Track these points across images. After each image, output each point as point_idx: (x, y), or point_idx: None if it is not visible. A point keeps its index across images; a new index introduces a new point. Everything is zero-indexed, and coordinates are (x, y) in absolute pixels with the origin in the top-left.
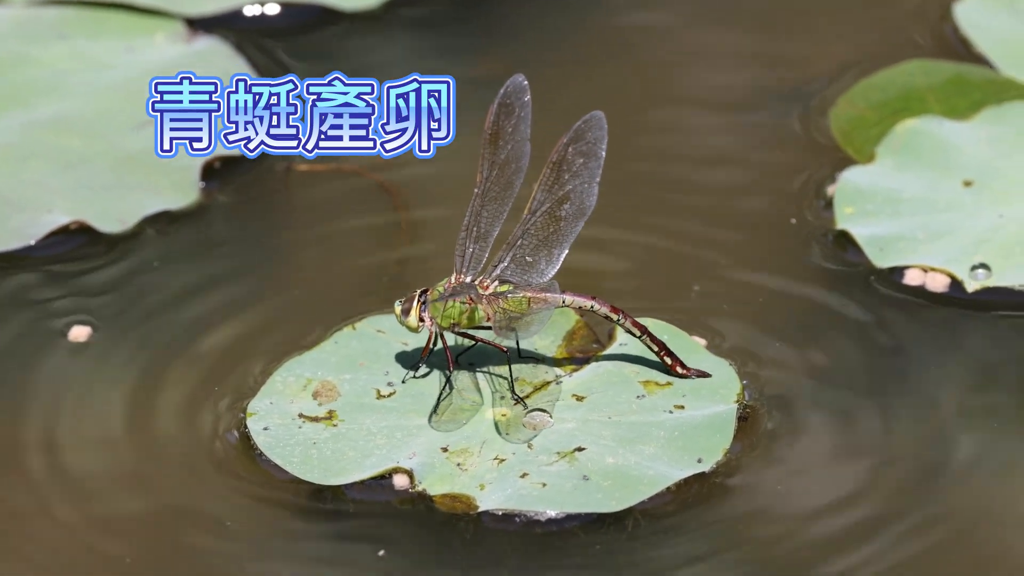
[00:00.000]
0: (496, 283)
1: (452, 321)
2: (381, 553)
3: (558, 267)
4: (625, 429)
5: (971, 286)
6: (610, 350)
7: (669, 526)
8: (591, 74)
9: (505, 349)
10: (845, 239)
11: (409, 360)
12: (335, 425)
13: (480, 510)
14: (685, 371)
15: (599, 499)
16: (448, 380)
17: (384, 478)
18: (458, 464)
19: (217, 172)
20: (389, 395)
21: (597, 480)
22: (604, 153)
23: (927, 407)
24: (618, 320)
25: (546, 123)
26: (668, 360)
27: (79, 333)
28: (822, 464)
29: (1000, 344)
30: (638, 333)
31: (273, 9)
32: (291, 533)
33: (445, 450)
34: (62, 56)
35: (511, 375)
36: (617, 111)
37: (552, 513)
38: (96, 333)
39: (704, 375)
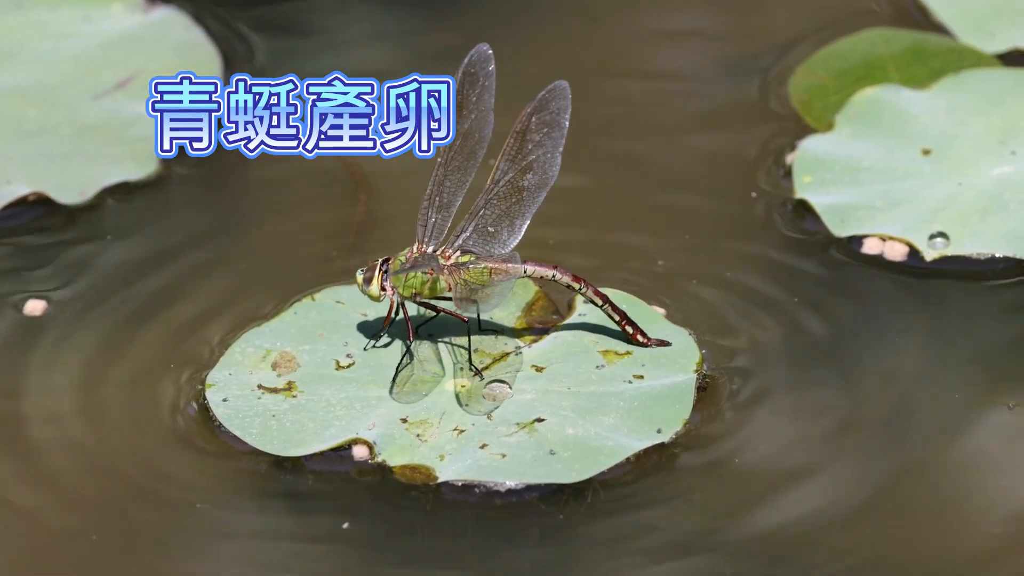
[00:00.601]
0: (458, 253)
1: (413, 291)
2: (345, 526)
3: (520, 237)
4: (584, 400)
5: (929, 255)
6: (570, 320)
7: (629, 497)
8: (549, 46)
9: (466, 319)
10: (804, 208)
11: (370, 330)
12: (294, 396)
13: (440, 481)
14: (645, 340)
15: (559, 470)
16: (408, 350)
17: (344, 449)
18: (418, 435)
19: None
20: (348, 366)
21: (557, 451)
22: (567, 123)
23: (887, 375)
24: (579, 289)
25: (503, 94)
26: (629, 329)
27: (34, 307)
28: (782, 433)
29: (958, 312)
30: (599, 302)
31: None
32: (252, 505)
33: (405, 421)
34: (19, 25)
35: (470, 346)
36: (576, 83)
37: (512, 484)
38: (51, 307)
39: (664, 344)
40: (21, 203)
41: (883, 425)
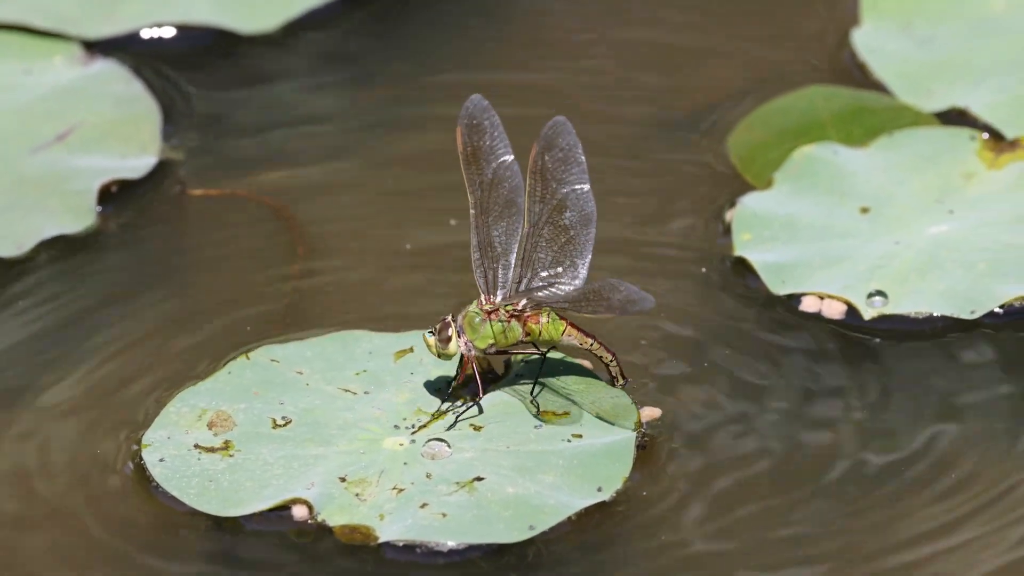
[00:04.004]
0: (525, 300)
1: (490, 342)
2: None
3: (583, 276)
4: (524, 458)
5: (868, 313)
6: (508, 379)
7: (570, 555)
8: (496, 93)
9: (544, 351)
10: (743, 265)
11: (436, 387)
12: (231, 455)
13: (380, 541)
14: (624, 380)
15: (500, 529)
16: (478, 405)
17: (283, 509)
18: (357, 494)
19: (114, 196)
20: (285, 424)
21: (497, 510)
22: (583, 158)
23: (827, 433)
24: (609, 362)
25: (434, 143)
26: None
27: None
28: (721, 490)
29: (897, 370)
30: (609, 358)
31: (170, 32)
32: (191, 567)
33: (343, 480)
34: None
35: (536, 379)
36: (516, 144)
37: (453, 544)
38: None
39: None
40: None
41: (824, 482)
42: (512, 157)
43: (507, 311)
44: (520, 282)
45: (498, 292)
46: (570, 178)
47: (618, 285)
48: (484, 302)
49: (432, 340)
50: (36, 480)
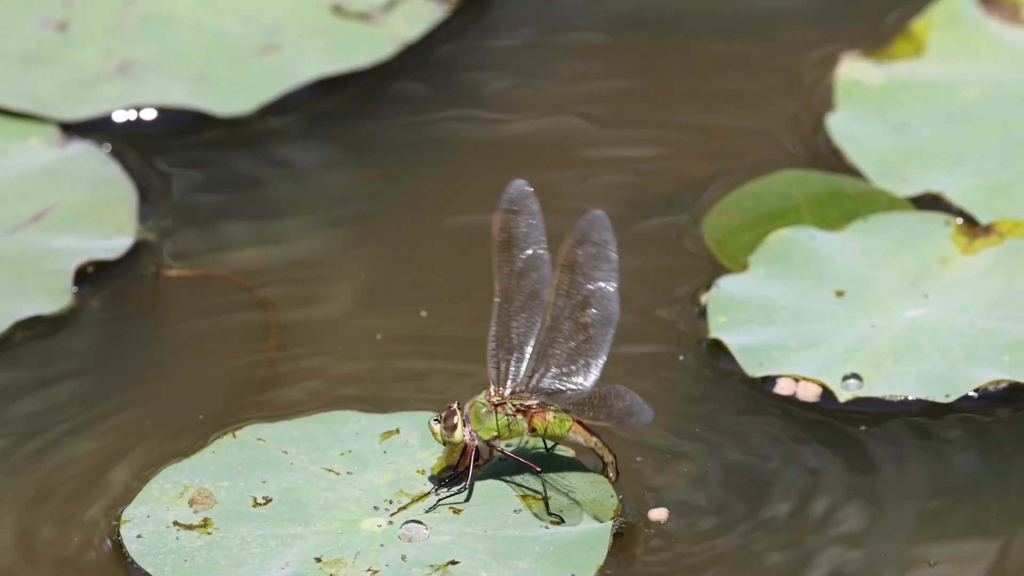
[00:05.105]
0: (533, 395)
1: (494, 434)
2: None
3: (595, 378)
4: (500, 543)
5: (843, 396)
6: (491, 463)
7: None
8: (466, 183)
9: (538, 469)
10: (718, 347)
11: (419, 470)
12: (209, 533)
13: None
14: (616, 476)
15: None
16: (470, 492)
17: None
18: (331, 575)
19: (90, 277)
20: (265, 503)
21: None
22: (615, 255)
23: (805, 519)
24: (609, 462)
25: (409, 229)
26: (611, 475)
27: None
28: None
29: (873, 454)
30: (610, 458)
31: (149, 114)
32: None
33: (319, 560)
34: None
35: (545, 493)
36: (487, 222)
37: None
38: None
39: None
40: None
41: (803, 570)
42: (545, 250)
43: (514, 405)
44: (532, 376)
45: (507, 384)
46: (599, 275)
47: (623, 393)
48: (493, 393)
49: (438, 428)
50: (14, 558)
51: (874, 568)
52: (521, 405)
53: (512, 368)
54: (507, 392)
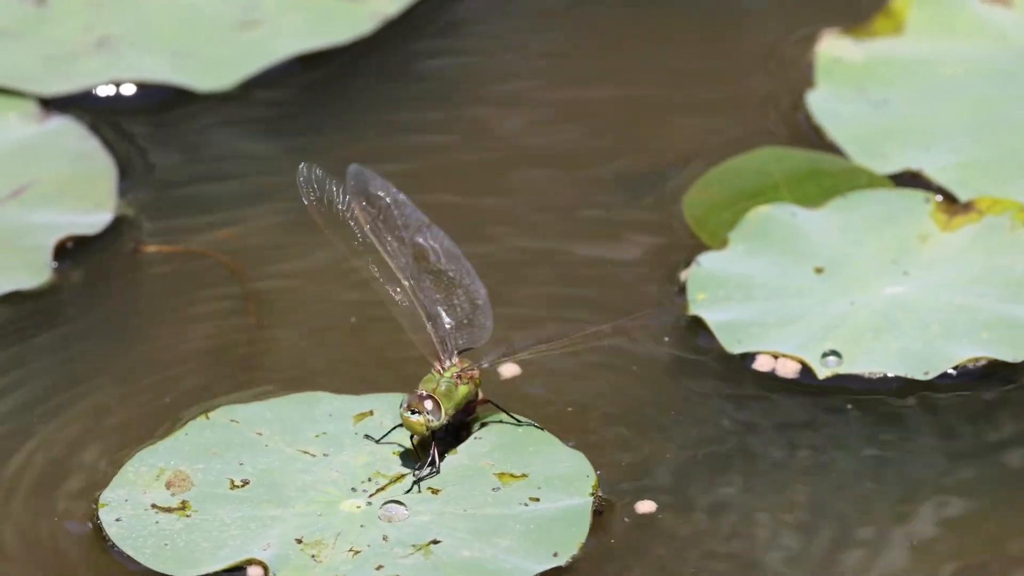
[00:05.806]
0: (457, 357)
1: (458, 407)
2: None
3: (489, 312)
4: (480, 521)
5: (822, 373)
6: (466, 443)
7: None
8: (441, 162)
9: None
10: (698, 324)
11: (414, 460)
12: (188, 516)
13: None
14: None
15: None
16: (437, 469)
17: (238, 569)
18: (312, 556)
19: (69, 252)
20: (243, 485)
21: (452, 573)
22: (392, 195)
23: (780, 496)
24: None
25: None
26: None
27: None
28: (677, 555)
29: (851, 431)
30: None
31: (128, 89)
32: None
33: (300, 541)
34: None
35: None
36: (469, 202)
37: None
38: None
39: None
40: None
41: (776, 548)
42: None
43: (467, 372)
44: (447, 338)
45: (445, 357)
46: (390, 219)
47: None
48: (442, 369)
49: (418, 419)
50: None
51: (851, 544)
52: (471, 366)
53: (445, 340)
54: (453, 362)
